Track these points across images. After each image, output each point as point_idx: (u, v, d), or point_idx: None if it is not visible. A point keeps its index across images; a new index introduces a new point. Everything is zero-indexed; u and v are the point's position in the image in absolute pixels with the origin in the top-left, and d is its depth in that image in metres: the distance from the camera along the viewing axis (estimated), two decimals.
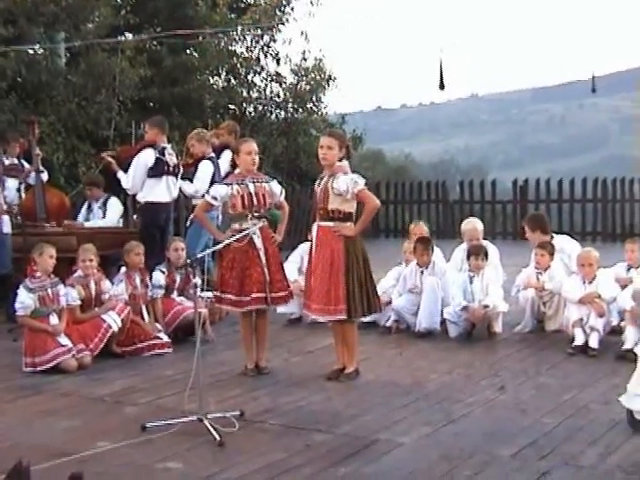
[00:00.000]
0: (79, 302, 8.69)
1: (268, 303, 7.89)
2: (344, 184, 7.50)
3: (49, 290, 8.34)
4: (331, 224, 7.54)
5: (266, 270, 7.79)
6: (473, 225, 10.47)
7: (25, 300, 8.21)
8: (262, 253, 7.80)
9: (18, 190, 10.85)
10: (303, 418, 6.45)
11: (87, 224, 11.17)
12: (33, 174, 11.34)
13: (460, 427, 6.18)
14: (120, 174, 10.63)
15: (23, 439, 6.06)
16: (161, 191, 10.36)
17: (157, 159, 10.26)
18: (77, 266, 8.90)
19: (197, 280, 6.57)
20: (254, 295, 7.77)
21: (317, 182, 7.80)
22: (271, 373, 7.93)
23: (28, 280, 8.32)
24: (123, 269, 9.32)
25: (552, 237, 10.16)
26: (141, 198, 10.41)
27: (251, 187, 7.88)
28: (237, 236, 7.54)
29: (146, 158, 10.24)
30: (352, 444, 5.81)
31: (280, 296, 7.93)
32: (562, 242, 10.21)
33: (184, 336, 9.27)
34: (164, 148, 10.40)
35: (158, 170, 10.28)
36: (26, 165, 11.48)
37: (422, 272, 9.78)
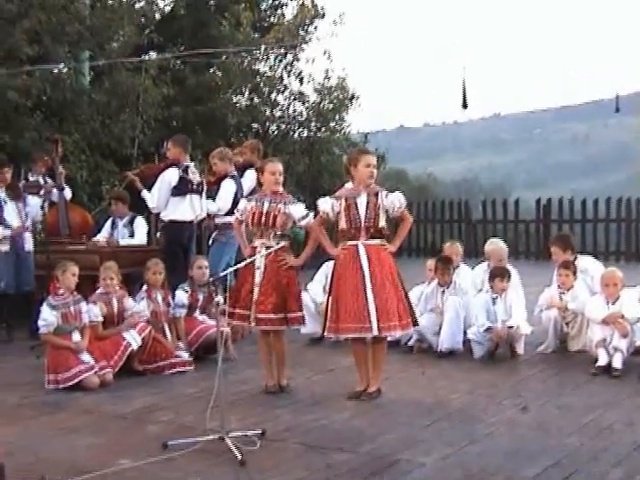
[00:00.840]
0: (101, 319, 8.73)
1: (250, 322, 7.86)
2: (398, 202, 7.57)
3: (72, 307, 8.38)
4: (379, 242, 7.54)
5: (256, 289, 7.75)
6: (499, 245, 10.43)
7: (48, 317, 8.25)
8: (259, 273, 7.76)
9: (42, 207, 10.91)
10: (324, 437, 6.43)
11: (121, 242, 11.21)
12: (56, 191, 11.41)
13: (482, 447, 6.15)
14: (144, 193, 10.68)
15: (45, 455, 6.08)
16: (185, 209, 10.40)
17: (181, 178, 10.31)
18: (99, 284, 8.94)
19: (219, 298, 6.57)
20: (237, 311, 7.83)
21: (337, 202, 7.68)
22: (292, 391, 7.92)
23: (51, 297, 8.37)
24: (144, 287, 9.34)
25: (576, 257, 10.12)
26: (165, 216, 10.45)
27: (265, 206, 7.88)
28: (254, 257, 7.61)
29: (170, 177, 10.29)
30: (374, 464, 5.78)
31: (262, 318, 7.76)
32: (586, 263, 10.16)
33: (205, 354, 9.27)
34: (187, 166, 10.45)
35: (182, 189, 10.32)
36: (50, 182, 11.55)
37: (443, 292, 9.76)
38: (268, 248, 7.70)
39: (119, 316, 8.87)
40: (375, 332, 7.42)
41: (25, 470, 5.54)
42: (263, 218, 7.82)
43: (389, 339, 8.89)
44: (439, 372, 8.79)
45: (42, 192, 11.36)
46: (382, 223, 7.55)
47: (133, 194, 11.92)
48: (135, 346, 8.66)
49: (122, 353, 8.60)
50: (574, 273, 9.65)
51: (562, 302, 9.53)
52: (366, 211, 7.53)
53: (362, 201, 7.57)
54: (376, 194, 7.58)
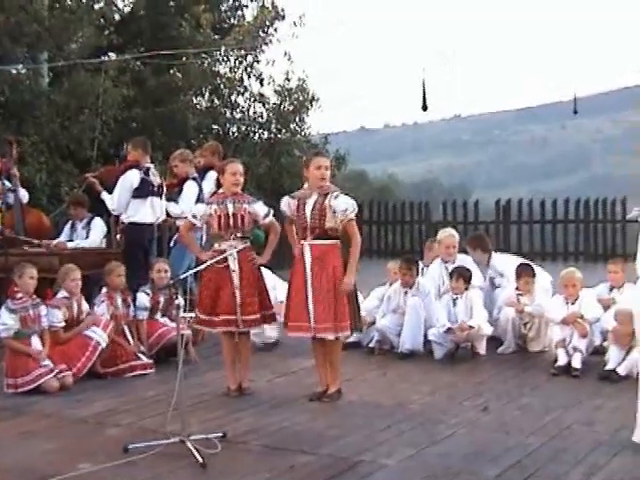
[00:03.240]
0: (63, 324, 8.66)
1: (238, 326, 7.85)
2: (344, 204, 7.55)
3: (30, 311, 8.30)
4: (327, 242, 7.54)
5: (237, 292, 7.74)
6: (449, 233, 10.53)
7: (7, 321, 8.17)
8: (235, 275, 7.74)
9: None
10: (286, 439, 6.42)
11: (70, 244, 11.10)
12: (12, 194, 11.29)
13: (444, 448, 6.17)
14: (104, 195, 10.60)
15: (4, 461, 6.01)
16: (145, 212, 10.34)
17: (142, 179, 10.25)
18: (63, 286, 8.84)
19: (180, 301, 6.54)
20: (222, 317, 7.78)
21: (291, 201, 7.74)
22: (254, 394, 7.89)
23: (9, 301, 8.28)
24: (104, 290, 9.27)
25: (490, 256, 10.51)
26: (125, 219, 10.38)
27: (230, 208, 7.84)
28: (217, 258, 7.54)
29: (131, 179, 10.22)
30: (336, 465, 5.79)
31: (251, 319, 7.80)
32: (499, 262, 10.39)
33: (166, 357, 9.22)
34: (148, 168, 10.40)
35: (143, 191, 10.26)
36: (6, 184, 11.41)
37: (406, 292, 9.77)
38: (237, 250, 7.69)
39: (78, 319, 8.80)
40: (311, 332, 7.50)
41: None
42: (231, 220, 7.79)
43: (349, 340, 8.97)
44: (400, 373, 8.81)
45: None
46: (330, 224, 7.54)
47: (92, 196, 11.83)
48: (104, 344, 8.60)
49: (91, 354, 8.54)
50: (533, 277, 9.73)
51: (520, 304, 9.60)
52: (312, 211, 7.55)
53: (311, 201, 7.60)
54: (326, 195, 7.58)
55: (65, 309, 8.71)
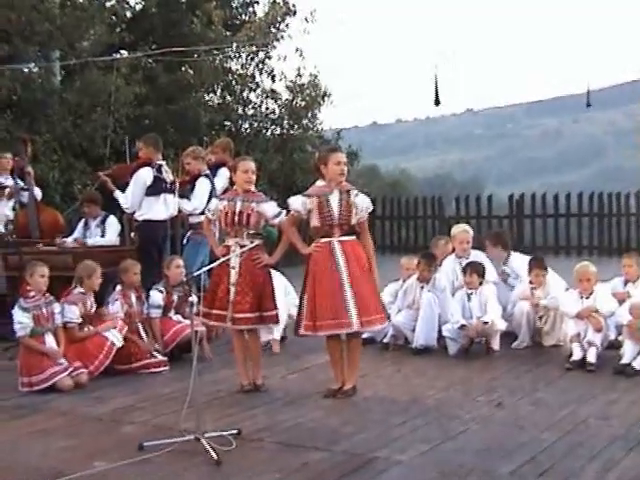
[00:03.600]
0: (79, 320, 8.67)
1: (226, 322, 7.84)
2: (366, 203, 7.62)
3: (44, 309, 8.31)
4: (354, 238, 7.58)
5: (232, 289, 7.73)
6: (463, 229, 10.51)
7: (22, 320, 8.19)
8: (234, 272, 7.72)
9: (13, 209, 10.80)
10: (300, 436, 6.42)
11: (89, 242, 11.14)
12: (26, 193, 11.32)
13: (458, 444, 6.16)
14: (117, 193, 10.62)
15: (19, 459, 6.03)
16: (159, 209, 10.35)
17: (155, 177, 10.26)
18: (87, 283, 8.83)
19: (193, 298, 6.53)
20: (215, 311, 7.80)
21: (309, 200, 7.67)
22: (268, 391, 7.89)
23: (22, 300, 8.30)
24: (118, 287, 9.28)
25: (509, 254, 10.46)
26: (139, 216, 10.38)
27: (238, 206, 7.83)
28: (228, 257, 7.56)
29: (144, 176, 10.23)
30: (350, 462, 5.78)
31: (240, 317, 7.73)
32: (516, 261, 10.35)
33: (180, 354, 9.23)
34: (160, 166, 10.41)
35: (156, 188, 10.27)
36: (20, 183, 11.45)
37: (422, 287, 9.76)
38: (242, 247, 7.67)
39: (88, 315, 8.80)
40: (356, 327, 7.43)
41: None
42: (236, 217, 7.78)
43: (364, 336, 8.97)
44: (414, 369, 8.80)
45: (6, 193, 11.21)
46: (354, 221, 7.57)
47: (105, 194, 11.85)
48: (119, 344, 8.62)
49: (107, 353, 8.56)
50: (545, 269, 9.70)
51: (534, 297, 9.58)
52: (339, 208, 7.53)
53: (334, 199, 7.56)
54: (348, 192, 7.58)
55: (82, 305, 8.73)
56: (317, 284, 7.53)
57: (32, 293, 8.31)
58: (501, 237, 10.80)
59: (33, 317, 8.22)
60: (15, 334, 8.33)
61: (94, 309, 8.91)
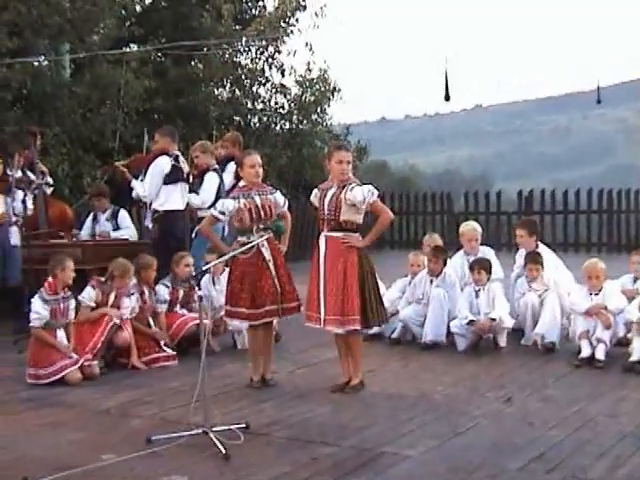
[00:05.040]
0: (93, 304, 8.69)
1: (280, 314, 7.88)
2: (360, 194, 7.50)
3: (61, 304, 8.34)
4: (341, 235, 7.54)
5: (276, 281, 7.77)
6: (471, 226, 10.48)
7: (41, 311, 8.20)
8: (271, 264, 7.77)
9: (23, 202, 10.80)
10: (309, 431, 6.43)
11: (113, 234, 11.17)
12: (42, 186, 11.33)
13: (467, 440, 6.15)
14: (134, 182, 10.59)
15: (28, 451, 6.05)
16: (177, 198, 10.32)
17: (173, 166, 10.25)
18: (122, 282, 8.84)
19: (201, 292, 6.52)
20: (267, 307, 7.76)
21: (317, 193, 7.78)
22: (276, 385, 7.90)
23: (44, 291, 8.30)
24: (134, 281, 9.27)
25: (537, 245, 10.24)
26: (159, 206, 10.33)
27: (257, 200, 7.84)
28: (243, 248, 7.53)
29: (162, 165, 10.21)
30: (358, 457, 5.78)
31: (292, 306, 7.88)
32: (544, 253, 10.26)
33: (188, 347, 9.24)
34: (177, 155, 10.41)
35: (174, 177, 10.26)
36: (31, 176, 11.45)
37: (431, 281, 9.75)
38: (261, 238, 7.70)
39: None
40: (322, 324, 7.55)
41: (7, 466, 5.50)
42: (261, 212, 7.80)
43: (372, 332, 8.98)
44: (423, 365, 8.80)
45: (33, 187, 11.22)
46: (345, 216, 7.52)
47: (114, 188, 11.87)
48: (117, 322, 8.61)
49: (104, 329, 8.54)
50: (542, 265, 9.63)
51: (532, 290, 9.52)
52: (329, 203, 7.56)
53: (329, 194, 7.61)
54: (343, 187, 7.57)
55: (99, 292, 8.73)
56: (311, 276, 7.70)
57: (58, 288, 8.30)
58: (536, 227, 10.62)
59: (50, 310, 8.23)
60: (27, 326, 8.35)
61: (113, 303, 8.88)
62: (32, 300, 8.35)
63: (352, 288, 7.46)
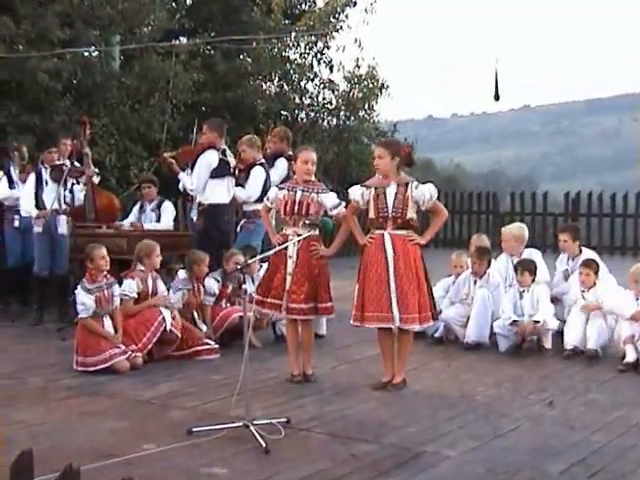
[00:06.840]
0: (135, 295, 8.74)
1: (281, 311, 7.87)
2: (428, 193, 7.52)
3: (105, 291, 8.40)
4: (405, 232, 7.51)
5: (289, 278, 7.72)
6: (509, 229, 10.49)
7: (86, 301, 8.26)
8: (291, 261, 7.72)
9: (71, 191, 10.88)
10: (349, 427, 6.41)
11: (146, 226, 11.20)
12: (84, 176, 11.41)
13: (507, 442, 6.11)
14: (181, 175, 10.63)
15: (70, 439, 6.09)
16: (223, 192, 10.34)
17: (220, 160, 10.27)
18: (147, 261, 8.89)
19: (246, 286, 6.54)
20: (269, 300, 7.81)
21: (365, 190, 7.69)
22: (317, 381, 7.91)
23: (86, 281, 8.37)
24: (183, 276, 9.28)
25: (581, 250, 10.13)
26: (204, 200, 10.35)
27: (298, 195, 7.83)
28: (284, 245, 7.56)
29: (210, 158, 10.23)
30: (398, 455, 5.77)
31: (294, 307, 7.73)
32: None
33: (229, 340, 9.26)
34: (225, 150, 10.43)
35: (221, 171, 10.27)
36: (78, 166, 11.53)
37: (475, 282, 9.71)
38: (299, 237, 7.67)
39: (152, 296, 8.86)
40: (397, 322, 7.42)
41: (49, 453, 5.53)
42: (296, 207, 7.78)
43: (415, 330, 8.93)
44: (465, 364, 8.76)
45: (84, 177, 11.29)
46: (410, 214, 7.51)
47: (161, 178, 11.92)
48: (168, 326, 8.63)
49: (156, 329, 8.57)
50: (595, 272, 9.49)
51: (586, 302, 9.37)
52: (394, 201, 7.50)
53: (391, 191, 7.54)
54: (406, 185, 7.54)
55: (139, 281, 8.78)
56: (367, 275, 7.53)
57: (98, 277, 8.37)
58: (579, 232, 10.59)
59: (95, 299, 8.29)
60: (71, 315, 8.42)
61: (159, 294, 8.93)
62: (76, 291, 8.42)
63: (424, 285, 7.50)
